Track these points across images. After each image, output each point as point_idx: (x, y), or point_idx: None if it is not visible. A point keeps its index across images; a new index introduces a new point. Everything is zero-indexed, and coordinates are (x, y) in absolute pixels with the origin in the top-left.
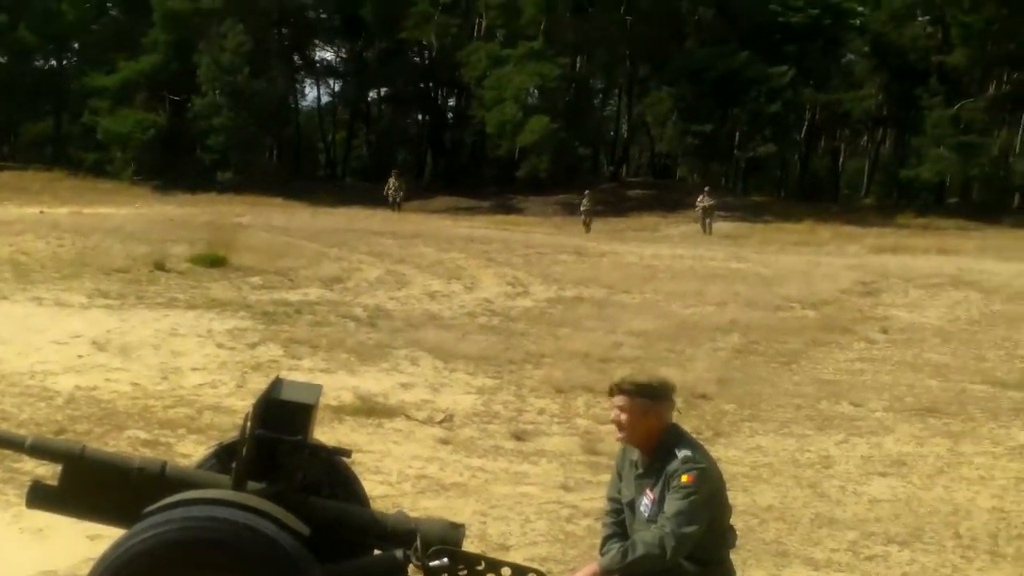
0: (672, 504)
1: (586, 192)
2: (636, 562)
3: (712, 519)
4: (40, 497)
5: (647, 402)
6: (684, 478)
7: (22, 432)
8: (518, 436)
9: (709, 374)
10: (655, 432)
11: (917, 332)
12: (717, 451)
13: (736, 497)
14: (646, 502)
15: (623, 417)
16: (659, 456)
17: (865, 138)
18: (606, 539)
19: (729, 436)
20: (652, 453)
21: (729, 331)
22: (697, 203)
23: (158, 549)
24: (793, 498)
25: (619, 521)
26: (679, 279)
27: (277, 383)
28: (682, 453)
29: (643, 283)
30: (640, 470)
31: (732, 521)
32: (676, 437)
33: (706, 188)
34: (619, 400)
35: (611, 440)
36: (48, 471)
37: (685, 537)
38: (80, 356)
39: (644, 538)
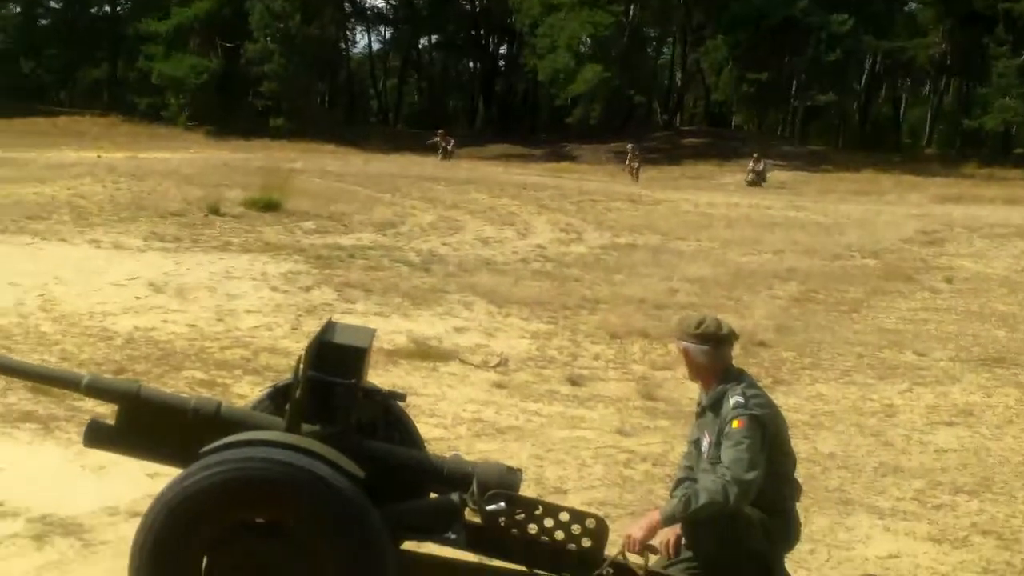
0: (727, 452)
1: (629, 146)
2: (699, 510)
3: (772, 466)
4: (97, 436)
5: (702, 346)
6: (735, 424)
7: (82, 372)
8: (574, 381)
9: (767, 321)
10: (713, 375)
11: (983, 282)
12: (776, 399)
13: (797, 445)
14: (705, 443)
15: (684, 359)
16: (716, 399)
17: (928, 87)
18: (678, 481)
19: (789, 384)
20: (711, 395)
21: (787, 279)
22: (748, 168)
23: (213, 489)
24: (856, 446)
25: (693, 464)
26: (735, 227)
27: (330, 326)
28: (733, 399)
29: (698, 231)
30: (699, 410)
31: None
32: (733, 382)
33: (755, 154)
34: (679, 344)
35: (668, 386)
36: (108, 410)
37: (744, 483)
38: (138, 298)
39: (706, 486)
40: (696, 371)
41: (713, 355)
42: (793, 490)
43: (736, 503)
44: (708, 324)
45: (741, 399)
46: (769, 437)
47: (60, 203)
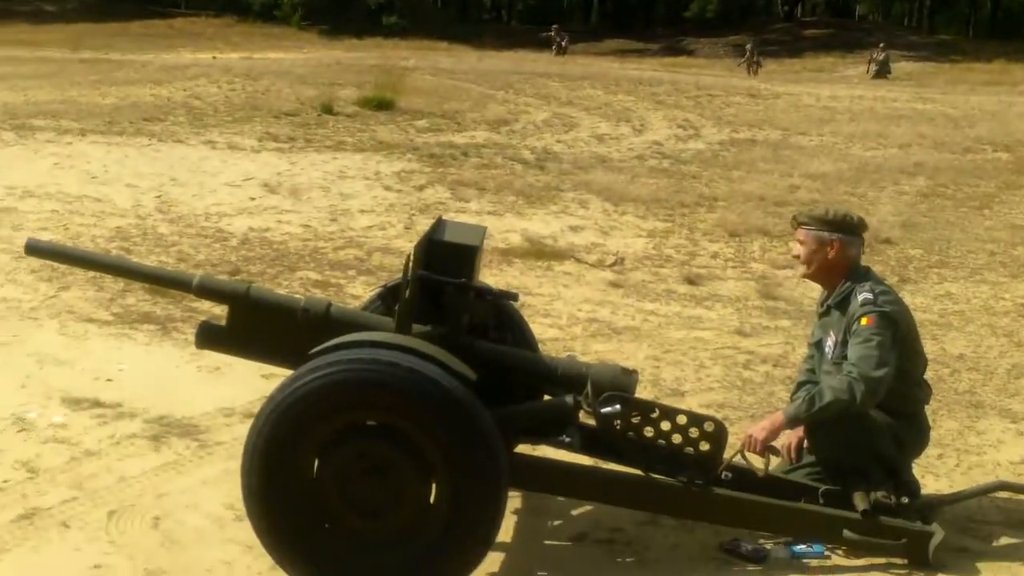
0: (855, 349)
1: (747, 41)
2: (824, 409)
3: (902, 367)
4: (209, 337)
5: (824, 234)
6: (864, 321)
7: (194, 272)
8: (691, 280)
9: (893, 218)
10: (836, 269)
11: None
12: (903, 298)
13: (925, 346)
14: (829, 343)
15: (800, 250)
16: (843, 297)
17: None
18: (798, 385)
19: (916, 283)
20: (835, 292)
21: (914, 174)
22: (872, 59)
23: (323, 391)
24: (987, 347)
25: (814, 367)
26: (859, 121)
27: (439, 224)
28: (862, 295)
29: (820, 125)
30: (823, 309)
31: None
32: (860, 278)
33: (880, 44)
34: (799, 233)
35: (789, 285)
36: (222, 312)
37: (873, 381)
38: (252, 198)
39: (832, 384)
40: (820, 265)
41: (842, 247)
42: (924, 393)
43: (863, 402)
44: (838, 212)
45: (870, 296)
46: (899, 336)
47: (176, 104)
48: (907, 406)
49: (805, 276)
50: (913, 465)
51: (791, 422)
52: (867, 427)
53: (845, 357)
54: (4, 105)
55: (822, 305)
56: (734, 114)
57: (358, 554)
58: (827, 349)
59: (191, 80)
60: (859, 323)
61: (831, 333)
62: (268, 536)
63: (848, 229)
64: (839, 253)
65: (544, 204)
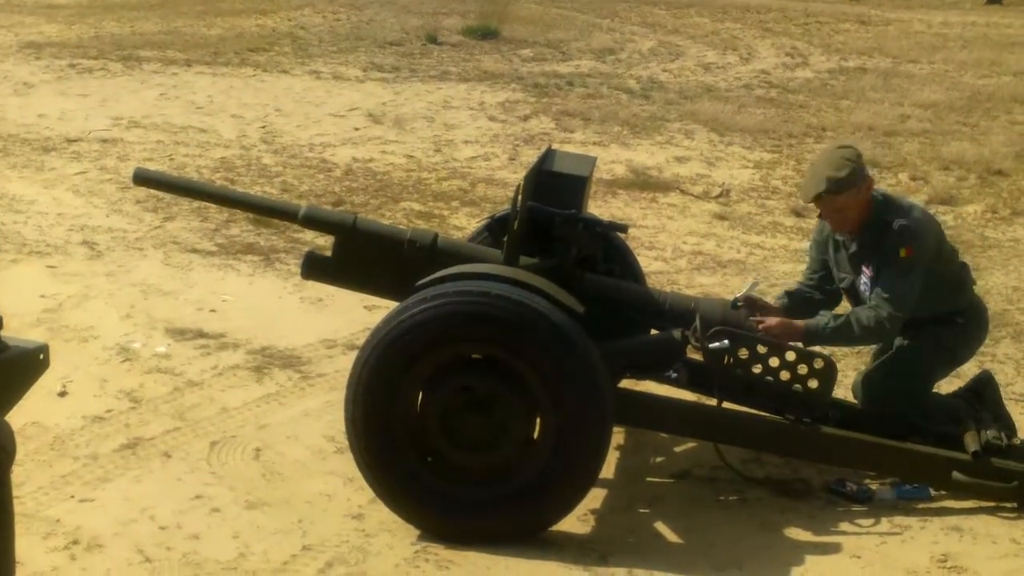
0: (890, 279)
1: None
2: (848, 339)
3: (937, 271)
4: (315, 268)
5: (841, 196)
6: (903, 252)
7: (300, 203)
8: (798, 212)
9: (1006, 149)
10: (867, 206)
11: None
12: (1015, 232)
13: None
14: (865, 280)
15: (840, 217)
16: (873, 230)
17: None
18: (794, 297)
19: None
20: (864, 231)
21: None
22: None
23: (430, 323)
24: None
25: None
26: (971, 47)
27: (549, 154)
28: (898, 223)
29: (932, 52)
30: (854, 248)
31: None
32: (885, 207)
33: None
34: (836, 201)
35: None
36: (326, 242)
37: (900, 317)
38: (356, 129)
39: (860, 319)
40: (859, 214)
41: (857, 195)
42: (965, 281)
43: (890, 334)
44: (849, 155)
45: (906, 222)
46: (935, 252)
47: (281, 35)
48: (955, 304)
49: (850, 232)
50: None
51: (809, 339)
52: (917, 371)
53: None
54: (111, 36)
55: (849, 246)
56: (843, 41)
57: (460, 489)
58: (862, 287)
59: (296, 10)
60: (898, 254)
61: (864, 269)
62: (369, 469)
63: (854, 177)
64: (858, 200)
65: (649, 134)
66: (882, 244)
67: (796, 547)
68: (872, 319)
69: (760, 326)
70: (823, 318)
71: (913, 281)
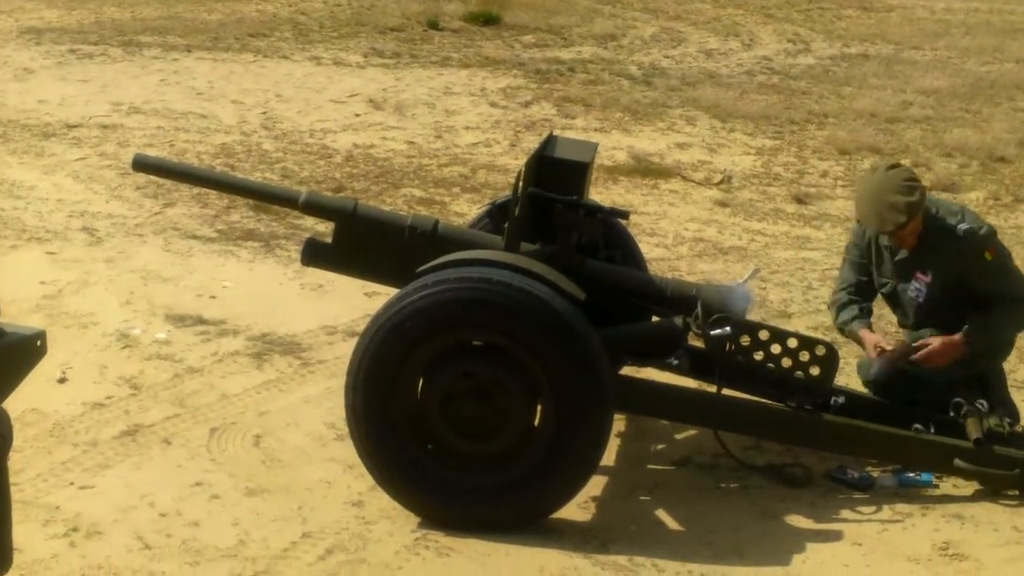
0: (997, 282)
1: None
2: (998, 336)
3: None
4: (315, 254)
5: (916, 219)
6: (987, 255)
7: (300, 189)
8: (800, 199)
9: (1008, 135)
10: (921, 224)
11: None
12: (1017, 219)
13: None
14: (916, 286)
15: (902, 239)
16: (930, 238)
17: None
18: (839, 309)
19: None
20: (926, 238)
21: None
22: None
23: (431, 309)
24: None
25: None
26: (974, 34)
27: (551, 140)
28: (962, 228)
29: (934, 39)
30: (904, 254)
31: None
32: (936, 211)
33: None
34: (912, 226)
35: None
36: (326, 229)
37: None
38: (357, 115)
39: (996, 322)
40: (915, 234)
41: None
42: None
43: None
44: (910, 175)
45: (970, 225)
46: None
47: (281, 20)
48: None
49: (910, 248)
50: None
51: (974, 342)
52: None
53: (985, 290)
54: (112, 22)
55: (896, 252)
56: (845, 28)
57: (460, 476)
58: (912, 293)
59: None
60: (982, 258)
61: (917, 276)
62: (370, 456)
63: (923, 194)
64: (921, 213)
65: (651, 121)
66: (945, 251)
67: (797, 535)
68: (1010, 315)
69: (924, 353)
70: (981, 323)
71: (1014, 270)
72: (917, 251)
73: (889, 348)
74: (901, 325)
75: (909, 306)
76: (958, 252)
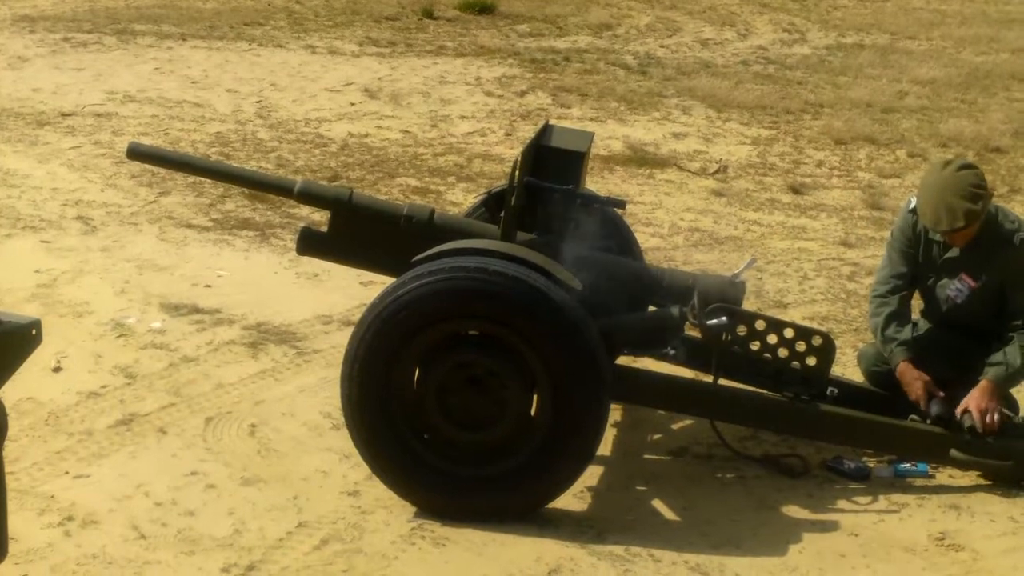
0: None
1: None
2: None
3: None
4: (310, 243)
5: (975, 225)
6: None
7: (296, 178)
8: (795, 189)
9: (1004, 126)
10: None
11: None
12: (1014, 209)
13: None
14: (958, 286)
15: (956, 239)
16: (984, 241)
17: None
18: (890, 318)
19: None
20: (971, 239)
21: None
22: None
23: (427, 299)
24: None
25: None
26: (970, 24)
27: (547, 129)
28: (1020, 237)
29: (930, 28)
30: (954, 253)
31: None
32: (995, 217)
33: None
34: (971, 229)
35: (895, 195)
36: (322, 218)
37: None
38: (352, 104)
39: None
40: (971, 236)
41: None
42: None
43: None
44: (978, 179)
45: (1018, 227)
46: None
47: (276, 8)
48: None
49: (962, 248)
50: None
51: (1001, 386)
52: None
53: (989, 302)
54: (106, 10)
55: (946, 249)
56: (841, 17)
57: (456, 466)
58: (951, 292)
59: None
60: None
61: (963, 277)
62: (366, 446)
63: (987, 183)
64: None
65: (646, 110)
66: (997, 257)
67: (794, 525)
68: None
69: (969, 410)
70: (1000, 364)
71: None
72: (969, 252)
73: (941, 395)
74: (923, 315)
75: (944, 302)
76: (1012, 260)
